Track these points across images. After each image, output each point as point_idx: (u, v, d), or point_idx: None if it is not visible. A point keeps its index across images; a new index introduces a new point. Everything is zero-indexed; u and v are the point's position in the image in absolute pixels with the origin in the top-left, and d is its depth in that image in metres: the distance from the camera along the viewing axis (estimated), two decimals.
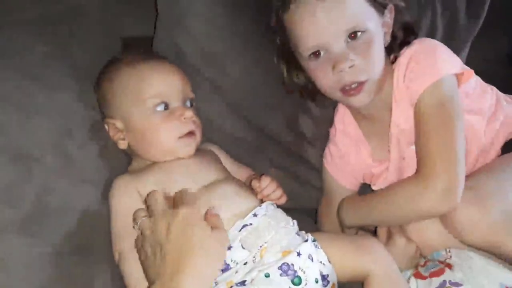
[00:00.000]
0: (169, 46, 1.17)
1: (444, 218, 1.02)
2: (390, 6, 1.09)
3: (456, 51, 1.40)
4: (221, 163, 1.15)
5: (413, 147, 1.08)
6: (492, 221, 0.98)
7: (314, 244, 0.98)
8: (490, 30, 1.51)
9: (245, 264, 0.93)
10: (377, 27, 1.06)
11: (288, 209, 1.07)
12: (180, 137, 1.05)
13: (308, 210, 1.29)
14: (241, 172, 1.18)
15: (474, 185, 1.01)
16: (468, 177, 1.02)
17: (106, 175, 1.04)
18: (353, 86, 1.05)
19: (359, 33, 1.02)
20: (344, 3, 1.01)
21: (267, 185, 1.06)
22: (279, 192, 1.07)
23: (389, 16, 1.10)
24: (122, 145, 1.07)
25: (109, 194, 1.02)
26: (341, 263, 0.98)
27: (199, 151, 1.11)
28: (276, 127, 1.26)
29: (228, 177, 1.09)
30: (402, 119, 1.11)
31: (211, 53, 1.17)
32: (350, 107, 1.20)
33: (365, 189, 1.26)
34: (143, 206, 0.98)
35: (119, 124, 1.06)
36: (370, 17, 1.05)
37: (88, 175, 1.01)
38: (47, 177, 0.94)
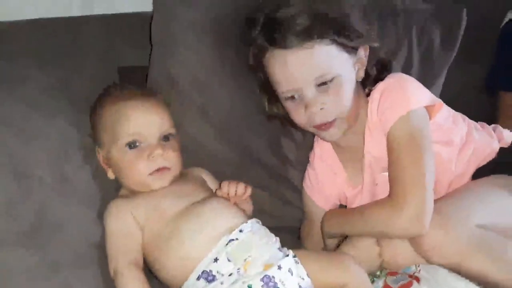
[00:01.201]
0: (163, 75, 1.24)
1: (412, 240, 1.08)
2: (364, 46, 1.16)
3: (432, 80, 1.49)
4: (207, 184, 1.21)
5: (385, 173, 1.14)
6: (456, 243, 1.04)
7: (294, 259, 1.05)
8: (466, 57, 1.57)
9: (230, 275, 1.00)
10: (347, 69, 1.13)
11: (271, 228, 1.13)
12: (150, 174, 1.11)
13: (290, 229, 1.34)
14: None
15: (440, 209, 1.07)
16: (436, 201, 1.08)
17: (99, 195, 1.11)
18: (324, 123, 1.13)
19: (328, 79, 1.09)
20: (312, 53, 1.08)
21: (227, 188, 1.13)
22: (241, 187, 1.14)
23: (363, 53, 1.16)
24: (110, 174, 1.15)
25: (105, 216, 1.08)
26: (319, 278, 1.05)
27: (186, 175, 1.18)
28: (261, 150, 1.32)
29: (214, 196, 1.15)
30: (375, 148, 1.18)
31: (201, 81, 1.24)
32: None
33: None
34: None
35: (104, 156, 1.14)
36: (340, 62, 1.12)
37: (83, 194, 1.09)
38: (45, 195, 1.01)
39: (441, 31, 1.49)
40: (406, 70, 1.43)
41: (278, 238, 1.11)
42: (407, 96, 1.13)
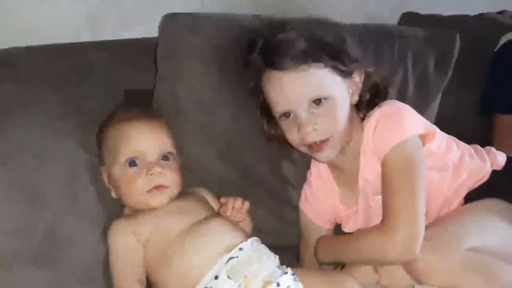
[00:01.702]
0: (167, 98, 1.28)
1: (405, 266, 1.11)
2: (359, 70, 1.21)
3: (427, 103, 1.53)
4: (209, 204, 1.25)
5: (378, 197, 1.18)
6: (448, 267, 1.07)
7: (293, 277, 1.09)
8: (460, 81, 1.63)
9: None
10: (341, 91, 1.17)
11: (272, 246, 1.17)
12: (148, 191, 1.14)
13: (291, 247, 1.37)
14: None
15: (432, 236, 1.10)
16: (427, 227, 1.11)
17: (105, 214, 1.16)
18: (317, 143, 1.17)
19: (322, 100, 1.14)
20: (307, 75, 1.13)
21: (225, 202, 1.17)
22: (238, 201, 1.17)
23: (358, 77, 1.21)
24: (113, 194, 1.19)
25: (108, 235, 1.12)
26: None
27: (188, 194, 1.22)
28: (261, 170, 1.35)
29: (216, 215, 1.19)
30: (369, 173, 1.21)
31: (203, 103, 1.28)
32: None
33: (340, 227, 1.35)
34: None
35: (106, 174, 1.18)
36: (334, 84, 1.16)
37: (91, 213, 1.13)
38: (55, 214, 1.06)
39: (435, 56, 1.54)
40: (402, 94, 1.48)
41: (277, 256, 1.14)
42: (402, 124, 1.17)
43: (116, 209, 1.18)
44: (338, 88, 1.17)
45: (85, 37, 1.38)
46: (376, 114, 1.20)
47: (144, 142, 1.16)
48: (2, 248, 0.99)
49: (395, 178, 1.14)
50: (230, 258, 1.08)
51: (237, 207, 1.17)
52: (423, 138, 1.20)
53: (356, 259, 1.19)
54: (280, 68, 1.14)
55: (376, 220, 1.19)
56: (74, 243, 1.07)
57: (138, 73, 1.34)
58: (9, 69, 1.18)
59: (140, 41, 1.40)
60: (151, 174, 1.14)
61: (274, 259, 1.13)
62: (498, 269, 1.11)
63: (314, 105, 1.15)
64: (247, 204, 1.19)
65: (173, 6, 1.37)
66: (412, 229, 1.09)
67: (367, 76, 1.24)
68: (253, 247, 1.12)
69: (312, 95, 1.14)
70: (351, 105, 1.22)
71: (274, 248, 1.17)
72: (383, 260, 1.14)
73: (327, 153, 1.19)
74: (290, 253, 1.34)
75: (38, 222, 1.04)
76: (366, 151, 1.21)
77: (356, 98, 1.22)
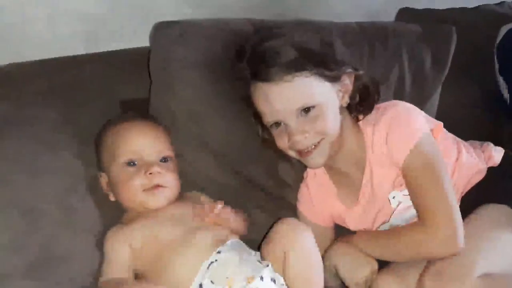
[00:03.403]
0: (163, 108, 1.31)
1: None
2: (348, 72, 1.20)
3: (425, 100, 1.53)
4: None
5: (391, 193, 1.20)
6: None
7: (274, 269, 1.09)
8: (461, 73, 1.63)
9: None
10: (329, 96, 1.17)
11: None
12: (144, 190, 1.16)
13: None
14: None
15: (441, 267, 1.09)
16: (436, 261, 1.10)
17: (103, 225, 1.17)
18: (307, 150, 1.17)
19: (311, 108, 1.14)
20: (292, 86, 1.13)
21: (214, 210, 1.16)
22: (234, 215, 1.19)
23: (348, 80, 1.20)
24: (112, 197, 1.21)
25: (103, 245, 1.14)
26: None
27: (184, 199, 1.24)
28: (258, 174, 1.37)
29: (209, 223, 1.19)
30: (375, 179, 1.22)
31: (198, 112, 1.30)
32: None
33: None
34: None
35: (105, 178, 1.20)
36: (321, 91, 1.16)
37: (88, 225, 1.15)
38: (51, 228, 1.08)
39: (432, 51, 1.54)
40: (399, 91, 1.48)
41: (258, 252, 1.15)
42: (412, 126, 1.18)
43: (114, 219, 1.20)
44: (326, 94, 1.17)
45: (80, 50, 1.40)
46: (384, 121, 1.20)
47: (142, 142, 1.18)
48: None
49: (421, 180, 1.15)
50: (211, 263, 1.09)
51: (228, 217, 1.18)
52: (432, 132, 1.21)
53: (396, 255, 1.18)
54: (265, 79, 1.15)
55: (382, 216, 1.21)
56: (71, 257, 1.08)
57: (134, 83, 1.36)
58: (3, 85, 1.20)
59: (134, 51, 1.41)
60: (150, 174, 1.16)
61: (255, 254, 1.14)
62: None
63: (303, 113, 1.15)
64: (218, 209, 1.16)
65: (165, 13, 1.39)
66: (451, 224, 1.11)
67: (357, 77, 1.23)
68: (232, 247, 1.13)
69: (299, 104, 1.14)
70: (342, 108, 1.22)
71: None
72: (424, 256, 1.14)
73: (316, 158, 1.19)
74: None
75: (34, 236, 1.05)
76: (373, 159, 1.21)
77: (346, 100, 1.22)
